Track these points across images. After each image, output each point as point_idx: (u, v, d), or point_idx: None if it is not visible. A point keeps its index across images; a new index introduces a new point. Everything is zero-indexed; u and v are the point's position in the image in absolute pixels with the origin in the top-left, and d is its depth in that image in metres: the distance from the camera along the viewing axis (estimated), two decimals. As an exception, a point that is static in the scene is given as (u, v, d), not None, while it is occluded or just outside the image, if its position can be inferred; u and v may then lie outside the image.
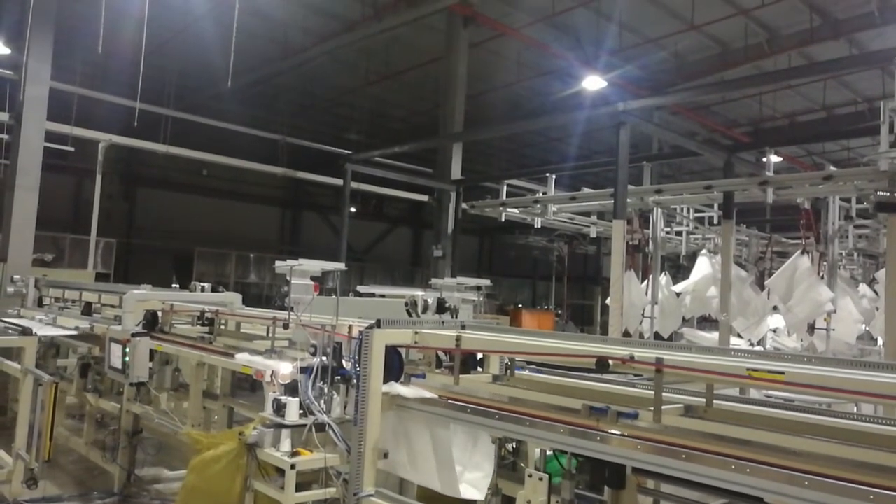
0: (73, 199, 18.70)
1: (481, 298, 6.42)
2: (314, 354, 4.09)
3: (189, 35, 13.53)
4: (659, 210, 9.76)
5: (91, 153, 13.19)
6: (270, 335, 4.93)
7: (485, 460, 3.42)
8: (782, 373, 2.48)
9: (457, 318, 5.17)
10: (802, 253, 8.21)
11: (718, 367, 2.69)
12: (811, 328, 8.25)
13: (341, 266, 4.72)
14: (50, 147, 11.24)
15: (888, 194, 6.95)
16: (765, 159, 8.51)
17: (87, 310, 7.79)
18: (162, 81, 15.81)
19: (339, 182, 12.78)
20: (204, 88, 15.82)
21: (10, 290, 8.70)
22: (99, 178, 13.02)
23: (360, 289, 7.87)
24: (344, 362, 4.06)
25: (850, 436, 2.77)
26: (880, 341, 8.74)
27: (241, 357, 4.43)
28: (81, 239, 14.87)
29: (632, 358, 2.83)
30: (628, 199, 8.38)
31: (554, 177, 10.78)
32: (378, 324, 3.49)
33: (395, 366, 3.65)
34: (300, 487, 3.82)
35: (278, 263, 4.48)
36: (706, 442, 2.51)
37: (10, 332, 5.74)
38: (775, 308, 9.04)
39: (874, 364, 2.67)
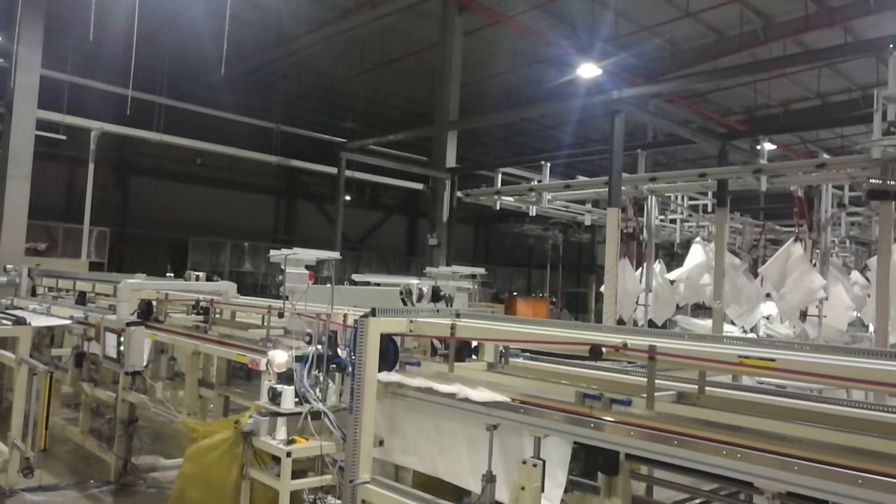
0: (65, 188, 18.56)
1: (476, 287, 6.43)
2: (309, 343, 4.10)
3: (181, 22, 13.41)
4: (653, 198, 9.77)
5: (83, 142, 13.09)
6: (266, 324, 4.95)
7: (558, 469, 2.95)
8: (773, 360, 2.51)
9: (452, 306, 5.18)
10: (795, 240, 8.24)
11: (710, 355, 2.71)
12: (803, 315, 8.30)
13: (336, 255, 4.74)
14: (42, 135, 11.16)
15: (880, 182, 6.97)
16: (759, 147, 8.55)
17: (82, 299, 7.79)
18: (154, 69, 15.69)
19: (334, 171, 12.76)
20: (197, 76, 15.71)
21: (4, 279, 8.67)
22: (91, 166, 12.92)
23: (355, 277, 7.89)
24: (339, 351, 4.07)
25: (840, 422, 2.80)
26: (871, 328, 8.79)
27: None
28: (74, 228, 14.82)
29: (625, 346, 2.85)
30: (623, 188, 8.38)
31: (549, 165, 10.77)
32: (373, 312, 3.50)
33: (391, 354, 3.66)
34: (296, 475, 3.83)
35: (273, 252, 4.48)
36: (698, 428, 2.54)
37: (4, 321, 5.73)
38: (768, 295, 9.08)
39: (865, 351, 2.69)
